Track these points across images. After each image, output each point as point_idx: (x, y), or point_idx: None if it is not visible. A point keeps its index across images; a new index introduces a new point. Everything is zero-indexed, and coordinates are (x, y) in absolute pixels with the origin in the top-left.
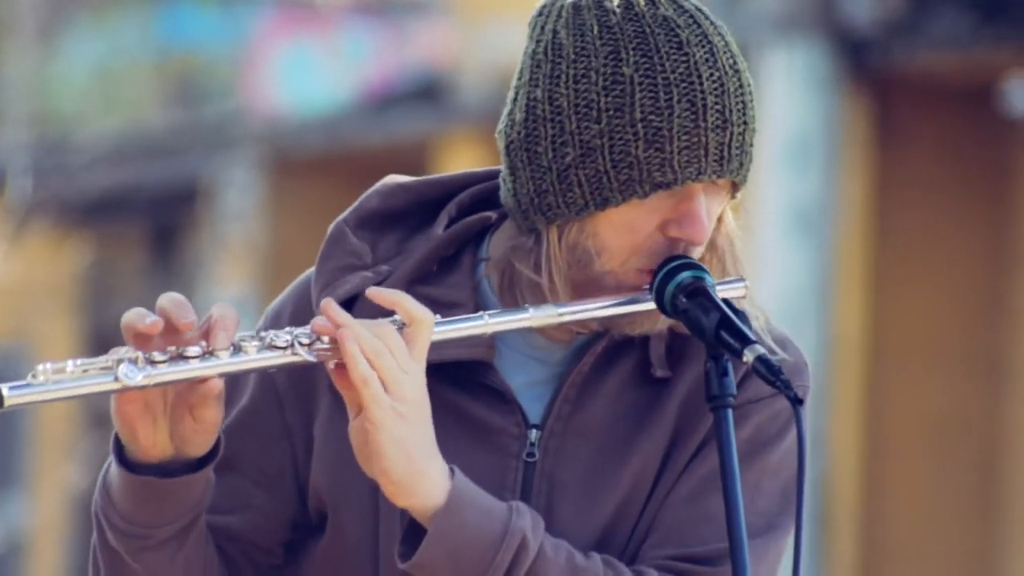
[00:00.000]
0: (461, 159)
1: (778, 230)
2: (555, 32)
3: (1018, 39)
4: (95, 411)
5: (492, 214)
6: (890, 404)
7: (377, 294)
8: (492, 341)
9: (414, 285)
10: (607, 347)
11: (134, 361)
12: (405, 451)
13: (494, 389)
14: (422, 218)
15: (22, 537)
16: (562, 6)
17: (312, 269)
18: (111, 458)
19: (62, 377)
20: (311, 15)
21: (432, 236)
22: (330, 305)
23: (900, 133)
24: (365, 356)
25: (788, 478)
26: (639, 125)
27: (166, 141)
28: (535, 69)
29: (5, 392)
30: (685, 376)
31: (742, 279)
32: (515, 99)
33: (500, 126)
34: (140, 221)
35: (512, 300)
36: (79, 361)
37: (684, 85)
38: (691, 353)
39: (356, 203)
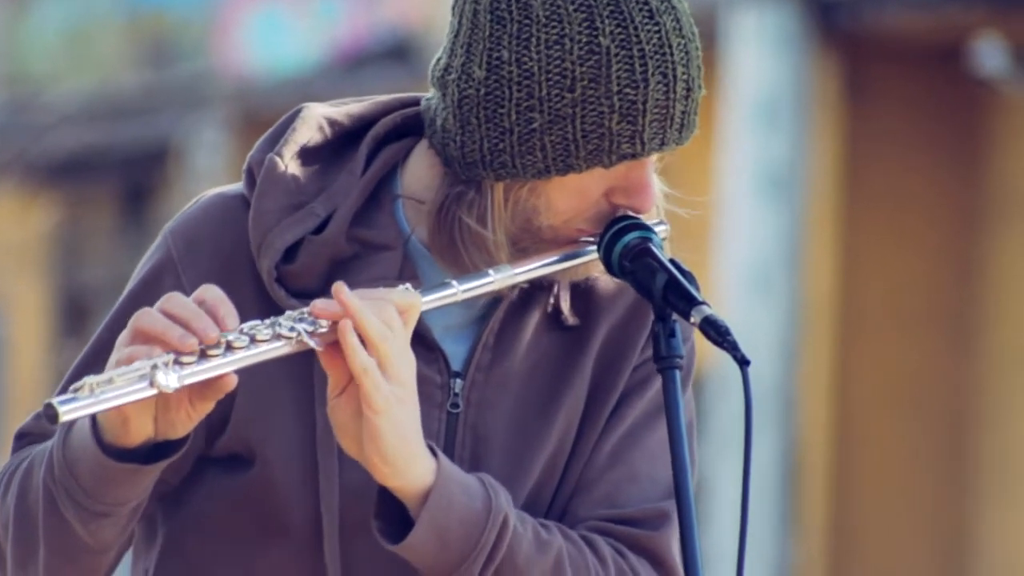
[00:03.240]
0: None
1: (748, 192)
2: None
3: None
4: None
5: (408, 145)
6: (861, 365)
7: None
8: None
9: (353, 228)
10: (520, 293)
11: (167, 365)
12: (402, 434)
13: (417, 334)
14: (337, 150)
15: None
16: None
17: (220, 191)
18: (71, 432)
19: (105, 388)
20: None
21: (356, 174)
22: (341, 290)
23: (870, 93)
24: (371, 341)
25: (692, 434)
26: (615, 98)
27: (137, 101)
28: (497, 26)
29: (60, 409)
30: (600, 327)
31: (662, 221)
32: (468, 51)
33: (447, 74)
34: (111, 181)
35: (445, 247)
36: (118, 371)
37: (657, 57)
38: (602, 303)
39: (285, 134)
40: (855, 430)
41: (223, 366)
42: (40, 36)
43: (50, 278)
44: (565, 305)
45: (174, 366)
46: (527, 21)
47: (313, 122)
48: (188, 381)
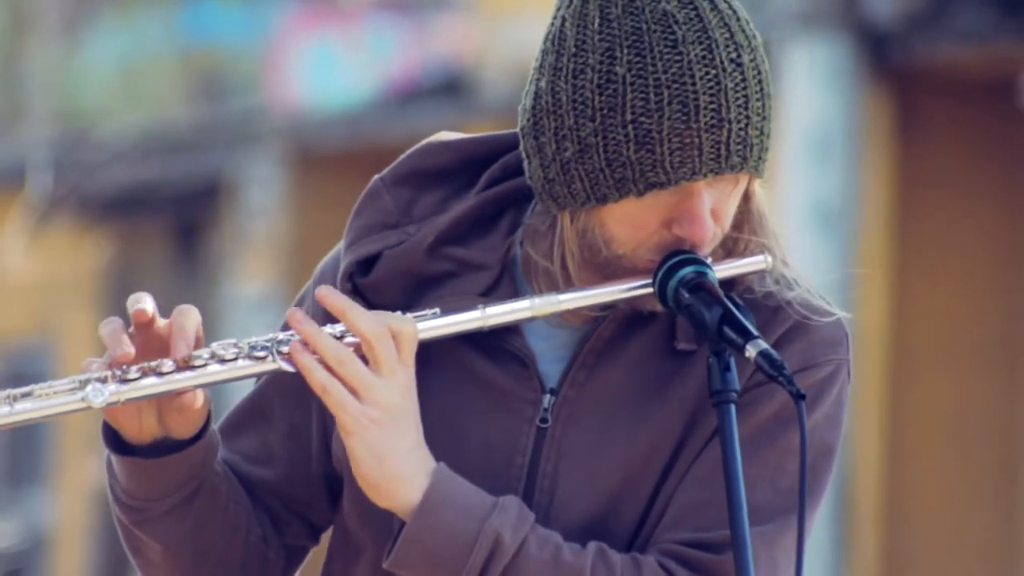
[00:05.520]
0: None
1: (799, 226)
2: (563, 20)
3: None
4: None
5: None
6: (911, 400)
7: (326, 296)
8: None
9: (442, 245)
10: (630, 315)
11: (103, 380)
12: (378, 457)
13: (510, 352)
14: (467, 177)
15: (44, 533)
16: None
17: None
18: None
19: (27, 401)
20: (334, 10)
21: (463, 197)
22: (294, 315)
23: (921, 128)
24: (328, 363)
25: (814, 457)
26: (630, 127)
27: (189, 136)
28: (543, 57)
29: None
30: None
31: (763, 253)
32: (529, 82)
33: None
34: (163, 217)
35: (527, 273)
36: (49, 383)
37: (676, 86)
38: None
39: (398, 159)
40: (906, 464)
41: (169, 385)
42: (93, 72)
43: (103, 313)
44: (682, 329)
45: (115, 382)
46: (561, 51)
47: (431, 147)
48: (128, 397)
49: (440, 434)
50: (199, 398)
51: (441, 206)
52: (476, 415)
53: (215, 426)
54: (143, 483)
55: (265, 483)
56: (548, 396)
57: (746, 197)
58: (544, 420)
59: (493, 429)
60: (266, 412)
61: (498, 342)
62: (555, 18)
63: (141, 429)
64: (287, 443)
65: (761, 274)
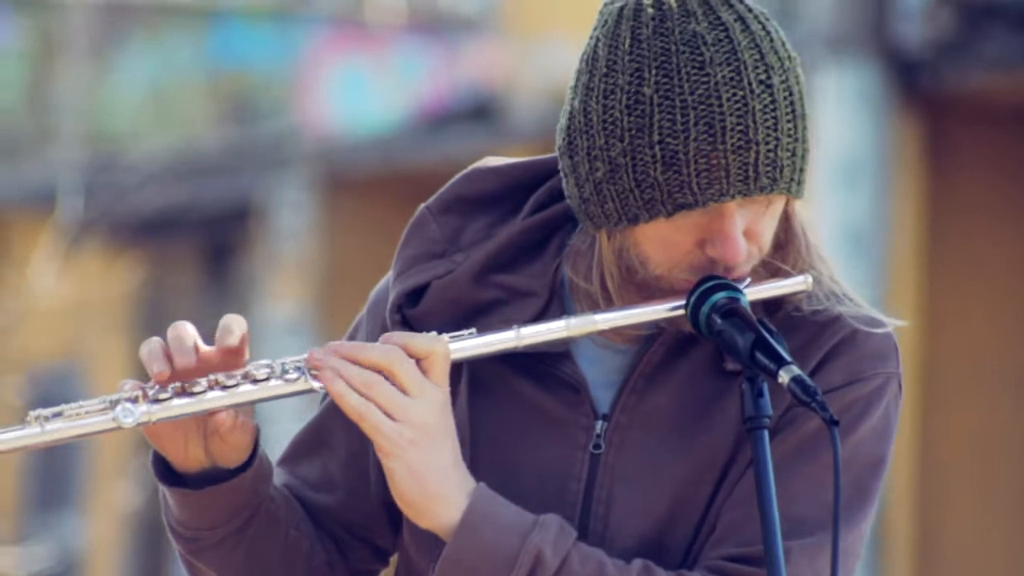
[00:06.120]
0: None
1: (829, 251)
2: (597, 40)
3: None
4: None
5: None
6: (942, 426)
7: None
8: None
9: (490, 273)
10: (679, 337)
11: (134, 400)
12: (416, 477)
13: (566, 380)
14: (514, 203)
15: (76, 556)
16: (611, 11)
17: None
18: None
19: (58, 421)
20: (364, 34)
21: (509, 223)
22: (313, 354)
23: (951, 154)
24: (356, 388)
25: (860, 470)
26: (657, 148)
27: (219, 160)
28: (578, 77)
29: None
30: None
31: (803, 274)
32: (566, 102)
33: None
34: (193, 240)
35: (574, 296)
36: (80, 403)
37: (702, 107)
38: None
39: (444, 187)
40: (938, 491)
41: (201, 405)
42: (122, 95)
43: (134, 336)
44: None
45: (146, 402)
46: (593, 72)
47: (477, 173)
48: (159, 417)
49: (494, 463)
50: (233, 421)
51: (488, 232)
52: (529, 443)
53: (278, 454)
54: (195, 513)
55: (327, 509)
56: (600, 422)
57: (786, 217)
58: (597, 446)
59: (547, 457)
60: (326, 439)
61: (549, 368)
62: (591, 39)
63: (187, 457)
64: (347, 470)
65: (810, 292)
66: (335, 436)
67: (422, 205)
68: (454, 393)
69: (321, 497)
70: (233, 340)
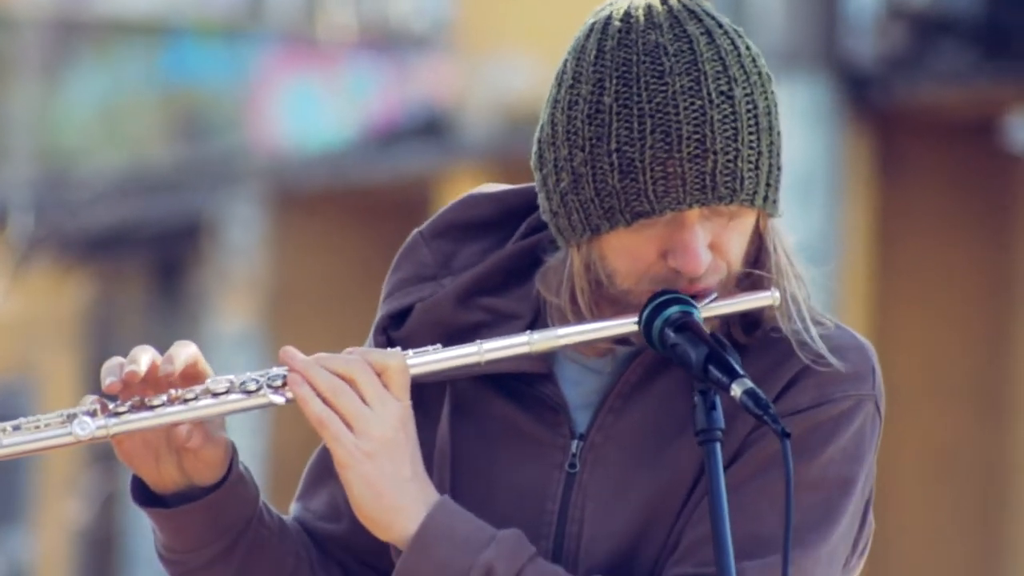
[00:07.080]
0: None
1: None
2: (567, 55)
3: (1020, 74)
4: (97, 446)
5: None
6: (892, 435)
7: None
8: (547, 354)
9: (475, 296)
10: (658, 356)
11: (92, 413)
12: (373, 489)
13: (540, 399)
14: (509, 229)
15: (25, 571)
16: (585, 28)
17: None
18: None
19: (16, 435)
20: (315, 51)
21: (496, 247)
22: (286, 352)
23: (903, 168)
24: (321, 395)
25: (830, 491)
26: (614, 155)
27: (170, 176)
28: (549, 91)
29: None
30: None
31: (769, 290)
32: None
33: None
34: (144, 256)
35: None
36: (37, 417)
37: (659, 115)
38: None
39: (437, 212)
40: (889, 502)
41: (158, 418)
42: (73, 112)
43: (83, 353)
44: None
45: (104, 415)
46: (560, 84)
47: (472, 199)
48: (116, 430)
49: (474, 482)
50: (202, 436)
51: (481, 257)
52: (508, 463)
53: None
54: (175, 535)
55: (333, 538)
56: (577, 442)
57: (758, 234)
58: (573, 466)
59: (525, 476)
60: (331, 468)
61: (532, 390)
62: (565, 56)
63: (161, 476)
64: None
65: (789, 312)
66: None
67: (415, 230)
68: (438, 414)
69: (328, 526)
70: (172, 369)
